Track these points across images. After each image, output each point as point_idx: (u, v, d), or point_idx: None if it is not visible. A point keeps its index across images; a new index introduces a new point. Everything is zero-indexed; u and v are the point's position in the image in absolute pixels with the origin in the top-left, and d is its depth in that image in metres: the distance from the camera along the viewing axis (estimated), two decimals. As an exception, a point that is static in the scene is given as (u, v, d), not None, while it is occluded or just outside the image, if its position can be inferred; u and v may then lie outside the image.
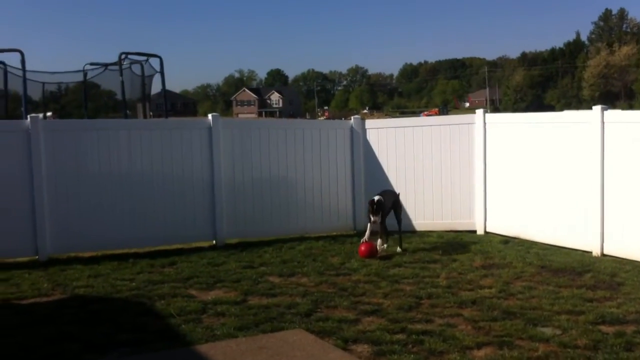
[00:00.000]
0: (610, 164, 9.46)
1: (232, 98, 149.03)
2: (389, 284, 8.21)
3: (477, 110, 11.74)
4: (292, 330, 6.19)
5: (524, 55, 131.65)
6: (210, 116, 11.22)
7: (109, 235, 10.47)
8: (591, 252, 9.74)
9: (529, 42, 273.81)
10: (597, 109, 9.61)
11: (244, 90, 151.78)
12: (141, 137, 10.68)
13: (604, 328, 6.36)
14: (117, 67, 16.75)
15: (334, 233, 11.94)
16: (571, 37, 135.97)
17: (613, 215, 9.47)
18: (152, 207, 10.75)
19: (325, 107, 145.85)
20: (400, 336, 6.16)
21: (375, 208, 10.09)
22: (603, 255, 9.59)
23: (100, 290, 8.23)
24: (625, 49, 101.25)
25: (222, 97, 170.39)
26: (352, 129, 12.05)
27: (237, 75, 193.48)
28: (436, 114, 67.62)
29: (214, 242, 11.18)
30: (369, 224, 10.64)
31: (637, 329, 6.26)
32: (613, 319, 6.60)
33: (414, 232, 11.43)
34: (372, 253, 10.05)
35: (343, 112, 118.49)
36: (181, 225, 10.94)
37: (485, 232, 11.61)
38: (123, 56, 16.06)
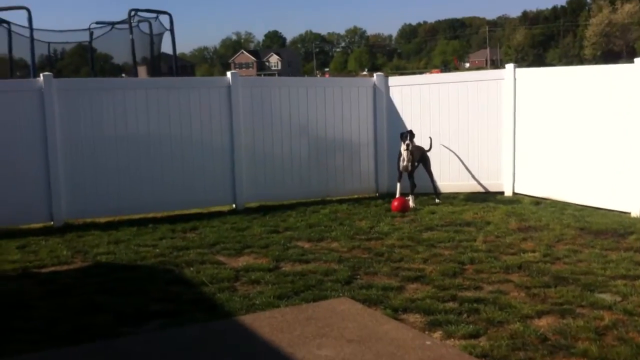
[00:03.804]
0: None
1: (230, 61, 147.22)
2: (426, 249, 7.84)
3: (506, 65, 11.27)
4: (337, 299, 5.82)
5: (525, 14, 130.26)
6: (229, 74, 10.74)
7: (126, 199, 10.08)
8: (629, 213, 9.37)
9: (530, 1, 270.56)
10: (638, 60, 9.13)
11: (242, 53, 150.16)
12: (158, 97, 10.22)
13: (666, 294, 6.00)
14: (123, 26, 16.13)
15: (356, 196, 11.58)
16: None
17: (654, 175, 9.08)
18: (170, 170, 10.34)
19: (326, 69, 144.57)
20: (452, 305, 5.80)
21: (409, 136, 10.33)
22: (643, 216, 9.23)
23: (123, 257, 7.85)
24: (627, 7, 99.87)
25: (219, 60, 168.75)
26: (374, 87, 11.58)
27: (234, 37, 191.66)
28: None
29: (234, 205, 10.80)
30: (397, 183, 10.45)
31: (701, 295, 5.90)
32: (673, 284, 6.24)
33: (439, 193, 11.03)
34: (405, 208, 10.04)
35: (342, 74, 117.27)
36: (200, 189, 10.54)
37: (514, 193, 11.23)
38: (132, 13, 15.40)
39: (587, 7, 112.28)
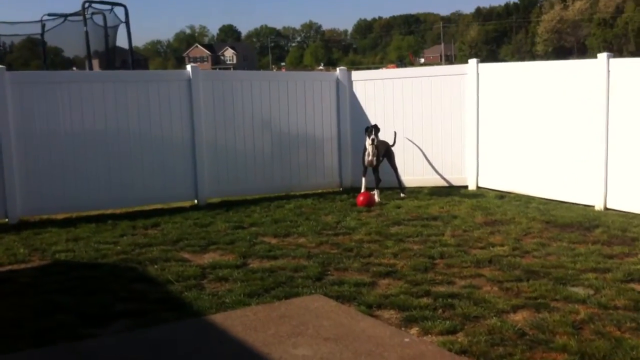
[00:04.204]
0: (616, 114, 9.10)
1: (185, 54, 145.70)
2: (395, 244, 7.75)
3: (469, 60, 11.26)
4: (310, 296, 5.68)
5: (478, 10, 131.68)
6: (189, 67, 10.49)
7: (83, 195, 9.76)
8: (593, 207, 9.44)
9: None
10: (602, 56, 9.20)
11: (197, 46, 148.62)
12: (116, 91, 9.90)
13: (636, 287, 6.01)
14: (76, 18, 15.66)
15: (320, 190, 11.46)
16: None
17: (617, 168, 9.15)
18: (129, 165, 10.05)
19: (282, 63, 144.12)
20: (426, 300, 5.71)
21: (374, 131, 10.20)
22: (606, 209, 9.30)
23: (83, 255, 7.57)
24: (578, 4, 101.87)
25: (172, 54, 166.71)
26: (337, 81, 11.45)
27: (188, 31, 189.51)
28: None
29: (196, 201, 10.57)
30: (363, 178, 10.37)
31: (671, 287, 5.93)
32: (642, 276, 6.26)
33: (403, 188, 10.97)
34: (370, 202, 9.96)
35: (298, 68, 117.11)
36: (160, 185, 10.28)
37: (477, 187, 11.25)
38: (86, 4, 14.95)
39: (538, 4, 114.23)
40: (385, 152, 10.66)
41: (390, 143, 10.86)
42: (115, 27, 16.05)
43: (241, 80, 10.88)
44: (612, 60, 9.11)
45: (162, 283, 6.41)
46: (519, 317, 5.29)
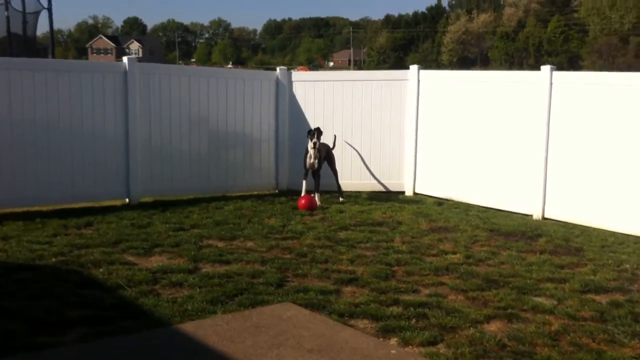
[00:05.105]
0: (557, 126, 9.32)
1: (88, 45, 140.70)
2: (347, 249, 7.60)
3: (411, 66, 11.28)
4: (281, 305, 5.43)
5: (387, 17, 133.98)
6: (125, 59, 9.97)
7: (7, 191, 9.07)
8: (531, 216, 9.64)
9: (392, 5, 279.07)
10: (546, 68, 9.41)
11: (101, 37, 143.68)
12: (47, 80, 9.26)
13: (595, 297, 6.11)
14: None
15: (256, 192, 11.18)
16: (433, 1, 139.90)
17: (556, 178, 9.38)
18: (58, 160, 9.42)
19: (193, 59, 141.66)
20: (397, 309, 5.58)
21: (316, 134, 10.10)
22: (544, 218, 9.51)
23: (17, 255, 7.00)
24: (483, 17, 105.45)
25: (73, 44, 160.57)
26: (277, 81, 11.21)
27: (90, 21, 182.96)
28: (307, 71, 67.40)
29: (127, 200, 10.07)
30: (303, 181, 10.20)
31: (628, 298, 6.06)
32: (597, 287, 6.36)
33: (342, 192, 10.84)
34: (312, 206, 9.83)
35: (207, 65, 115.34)
36: (91, 182, 9.72)
37: (414, 193, 11.29)
38: (5, -13, 14.01)
39: (445, 15, 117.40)
40: (326, 155, 10.52)
41: (331, 146, 10.73)
42: (37, 14, 15.11)
43: (179, 76, 10.45)
44: (555, 72, 9.32)
45: (113, 288, 6.00)
46: (494, 328, 5.25)
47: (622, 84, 8.75)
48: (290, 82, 11.27)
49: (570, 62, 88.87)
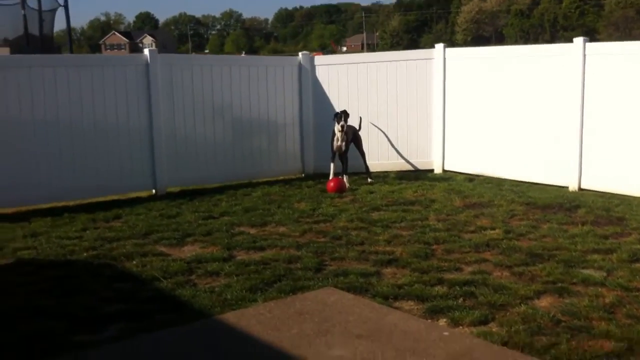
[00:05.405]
0: (590, 96, 9.05)
1: (101, 42, 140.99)
2: (383, 230, 7.41)
3: (436, 45, 11.04)
4: (323, 290, 5.26)
5: (399, 1, 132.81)
6: (147, 51, 9.82)
7: (33, 188, 8.96)
8: (567, 187, 9.38)
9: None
10: (578, 40, 9.12)
11: (114, 34, 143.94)
12: (68, 76, 9.10)
13: (645, 267, 5.89)
14: (7, 1, 14.55)
15: (282, 177, 10.99)
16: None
17: (592, 148, 9.11)
18: (83, 154, 9.29)
19: (206, 51, 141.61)
20: (442, 289, 5.39)
21: (343, 117, 9.89)
22: (580, 189, 9.25)
23: (48, 252, 6.89)
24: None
25: (87, 42, 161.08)
26: (300, 66, 11.00)
27: (103, 18, 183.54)
28: (321, 57, 67.19)
29: (154, 191, 9.94)
30: (331, 164, 10.02)
31: (680, 266, 5.83)
32: (646, 256, 6.14)
33: (370, 173, 10.63)
34: (342, 188, 9.66)
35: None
36: (117, 174, 9.59)
37: (444, 170, 11.06)
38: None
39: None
40: (352, 137, 10.32)
41: (357, 128, 10.53)
42: (53, 11, 14.94)
43: (201, 65, 10.28)
44: (588, 44, 9.04)
45: (148, 280, 5.87)
46: (545, 304, 5.05)
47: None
48: (313, 67, 11.05)
49: (586, 35, 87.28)
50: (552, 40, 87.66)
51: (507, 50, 11.02)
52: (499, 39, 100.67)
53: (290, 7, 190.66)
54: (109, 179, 9.53)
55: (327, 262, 6.27)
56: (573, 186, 9.30)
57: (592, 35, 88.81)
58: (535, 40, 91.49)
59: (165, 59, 10.07)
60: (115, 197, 9.62)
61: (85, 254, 6.77)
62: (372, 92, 10.98)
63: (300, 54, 11.25)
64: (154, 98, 9.71)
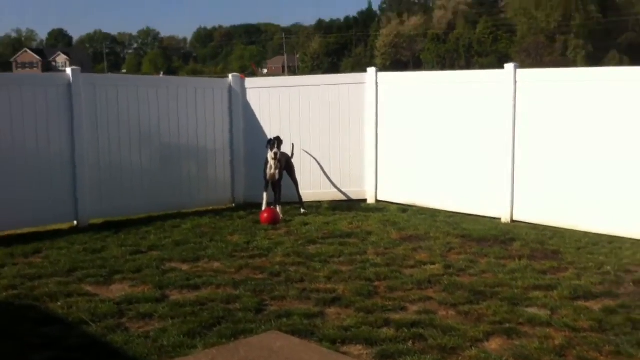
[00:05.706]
0: (522, 125, 9.16)
1: (12, 59, 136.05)
2: (321, 265, 7.20)
3: (368, 69, 10.98)
4: (266, 334, 5.00)
5: (320, 22, 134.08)
6: (69, 70, 9.35)
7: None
8: (500, 219, 9.44)
9: (323, 10, 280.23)
10: (509, 66, 9.24)
11: (26, 51, 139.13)
12: (-18, 96, 8.57)
13: (587, 304, 5.89)
14: None
15: (211, 207, 10.64)
16: (364, 6, 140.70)
17: (523, 180, 9.20)
18: (-3, 182, 8.72)
19: (123, 70, 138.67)
20: (390, 331, 5.22)
21: (277, 143, 9.68)
22: (513, 221, 9.32)
23: (-38, 291, 6.36)
24: (413, 20, 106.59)
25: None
26: (230, 88, 10.73)
27: (14, 35, 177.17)
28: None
29: (76, 222, 9.42)
30: (264, 193, 9.75)
31: (620, 304, 5.86)
32: (586, 293, 6.17)
33: (303, 202, 10.42)
34: (275, 219, 9.45)
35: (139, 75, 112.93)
36: (36, 204, 9.02)
37: (377, 200, 10.96)
38: None
39: (377, 19, 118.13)
40: (286, 164, 10.10)
41: (289, 155, 10.32)
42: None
43: (127, 86, 9.85)
44: (519, 70, 9.16)
45: (75, 324, 5.46)
46: (495, 346, 4.96)
47: (585, 80, 8.67)
48: (243, 89, 10.81)
49: (500, 62, 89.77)
50: (467, 66, 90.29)
51: (438, 76, 11.14)
52: (417, 64, 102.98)
53: (209, 27, 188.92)
54: (27, 209, 8.95)
55: (267, 302, 6.01)
56: (506, 218, 9.37)
57: (506, 61, 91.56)
58: (452, 67, 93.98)
59: (89, 79, 9.65)
60: (34, 230, 9.05)
61: (4, 294, 6.27)
62: (304, 117, 10.81)
63: (230, 75, 10.95)
64: (77, 121, 9.24)
